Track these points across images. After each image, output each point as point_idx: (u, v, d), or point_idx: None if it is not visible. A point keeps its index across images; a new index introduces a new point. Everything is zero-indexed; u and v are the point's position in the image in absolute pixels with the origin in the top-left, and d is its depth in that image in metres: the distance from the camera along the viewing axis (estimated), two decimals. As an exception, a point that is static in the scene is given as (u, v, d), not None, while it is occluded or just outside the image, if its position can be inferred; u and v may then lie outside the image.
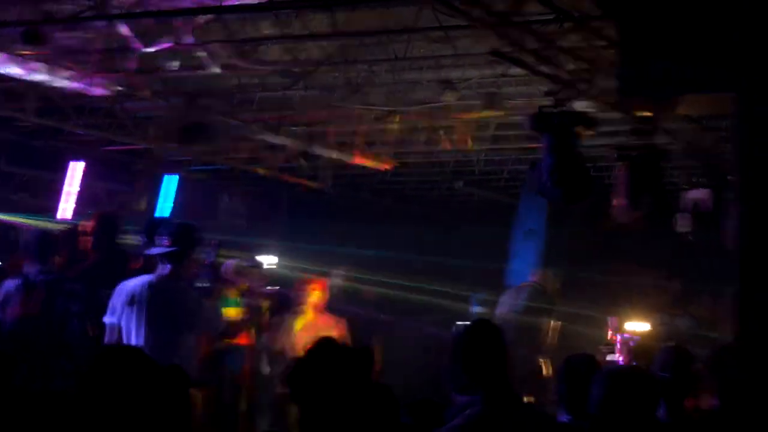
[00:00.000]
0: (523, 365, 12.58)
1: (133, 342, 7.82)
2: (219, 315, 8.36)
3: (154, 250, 8.14)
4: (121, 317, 7.96)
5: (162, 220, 11.67)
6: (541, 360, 12.69)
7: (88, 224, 9.58)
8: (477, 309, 14.78)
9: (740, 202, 4.71)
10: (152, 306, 7.92)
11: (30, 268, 8.63)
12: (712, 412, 7.03)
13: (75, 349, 8.33)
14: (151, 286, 7.99)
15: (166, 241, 8.06)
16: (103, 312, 8.19)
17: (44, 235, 9.06)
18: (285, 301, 11.13)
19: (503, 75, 11.68)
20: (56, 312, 8.39)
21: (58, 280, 8.51)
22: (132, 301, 7.96)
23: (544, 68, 9.90)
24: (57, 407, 5.16)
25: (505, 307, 13.42)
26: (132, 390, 4.51)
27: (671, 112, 10.35)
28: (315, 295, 10.98)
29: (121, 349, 5.96)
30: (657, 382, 5.45)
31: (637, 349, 10.86)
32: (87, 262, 9.23)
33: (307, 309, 10.90)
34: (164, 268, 8.06)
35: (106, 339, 8.02)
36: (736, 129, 4.81)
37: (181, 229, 8.19)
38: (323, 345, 4.68)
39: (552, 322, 13.12)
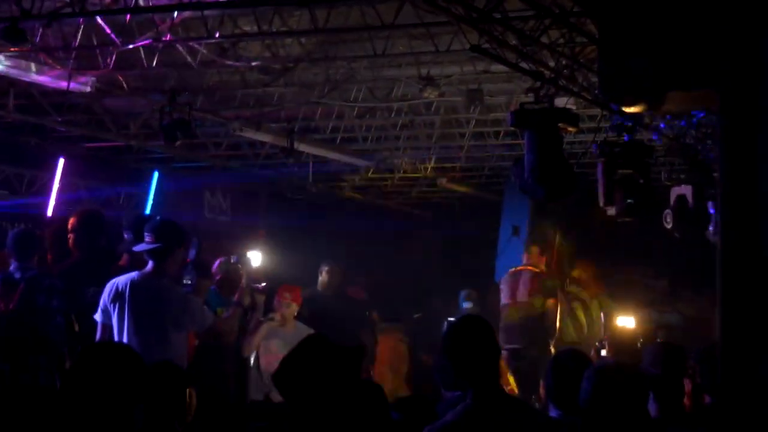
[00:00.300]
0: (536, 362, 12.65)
1: (121, 339, 7.82)
2: (205, 312, 8.27)
3: (138, 247, 8.12)
4: (110, 315, 7.95)
5: (147, 216, 11.60)
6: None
7: (69, 222, 9.52)
8: (466, 305, 14.77)
9: (723, 199, 4.68)
10: (135, 304, 7.93)
11: (11, 266, 8.60)
12: (706, 408, 7.03)
13: (59, 345, 8.27)
14: (134, 283, 7.98)
15: (149, 238, 8.05)
16: (85, 309, 8.17)
17: (24, 232, 9.01)
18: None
19: (485, 71, 11.67)
20: (37, 308, 8.34)
21: (38, 277, 8.47)
22: (116, 298, 7.97)
23: (525, 65, 9.87)
24: (40, 403, 5.14)
25: (507, 296, 13.46)
26: (117, 386, 4.50)
27: (653, 108, 10.32)
28: (293, 307, 11.05)
29: (106, 345, 5.98)
30: (647, 377, 5.44)
31: (624, 345, 10.90)
32: (68, 260, 9.17)
33: (281, 318, 10.93)
34: (148, 265, 8.04)
35: (98, 337, 8.02)
36: (720, 125, 4.78)
37: (165, 226, 8.18)
38: (312, 342, 4.64)
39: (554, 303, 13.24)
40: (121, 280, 8.03)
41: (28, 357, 8.33)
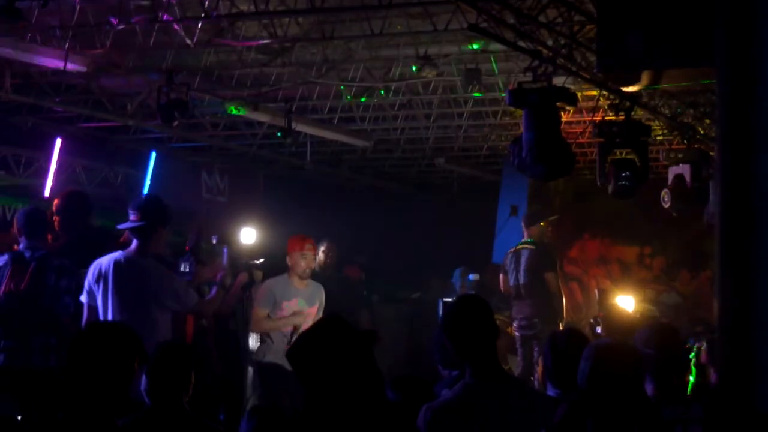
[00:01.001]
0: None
1: (106, 319, 7.77)
2: (189, 292, 8.12)
3: (122, 225, 8.06)
4: (95, 296, 7.91)
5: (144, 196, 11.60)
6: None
7: (54, 204, 9.42)
8: (472, 277, 14.80)
9: (721, 178, 4.67)
10: (118, 283, 7.85)
11: (20, 245, 8.58)
12: (700, 387, 7.05)
13: (68, 325, 8.24)
14: (117, 263, 7.91)
15: (133, 216, 7.97)
16: (80, 291, 8.14)
17: (33, 211, 8.94)
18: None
19: (483, 51, 11.64)
20: (47, 288, 8.32)
21: (47, 256, 8.44)
22: (99, 278, 7.90)
23: (523, 44, 9.84)
24: (39, 383, 5.17)
25: (512, 275, 13.49)
26: (115, 364, 4.53)
27: (651, 86, 10.32)
28: (310, 258, 10.81)
29: (103, 325, 6.00)
30: (643, 357, 5.45)
31: (619, 324, 10.88)
32: (57, 242, 9.11)
33: (298, 274, 10.72)
34: (132, 244, 7.99)
35: (84, 318, 7.98)
36: (718, 104, 4.76)
37: (149, 203, 8.08)
38: (329, 323, 4.62)
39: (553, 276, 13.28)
40: (105, 261, 7.95)
41: (38, 337, 8.33)
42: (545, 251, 13.42)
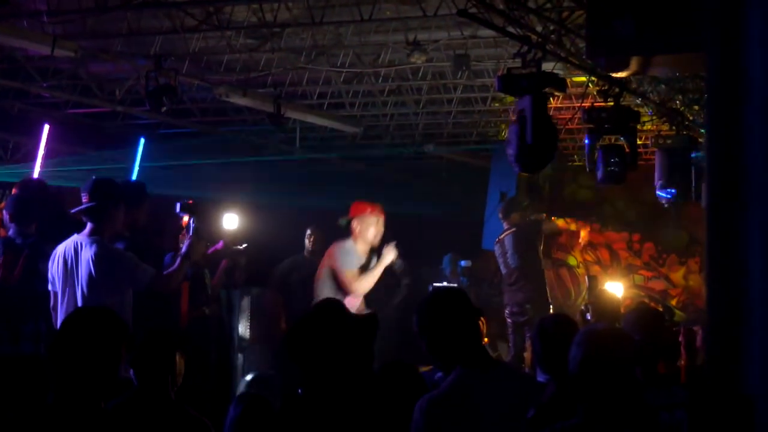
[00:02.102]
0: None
1: (66, 306, 7.72)
2: (142, 268, 7.92)
3: (75, 210, 7.98)
4: (55, 283, 7.87)
5: (135, 182, 11.52)
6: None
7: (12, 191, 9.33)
8: (464, 263, 14.82)
9: (710, 164, 4.65)
10: (73, 268, 7.80)
11: (9, 231, 8.55)
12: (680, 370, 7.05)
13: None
14: (69, 247, 7.86)
15: (84, 198, 7.91)
16: None
17: (23, 197, 8.90)
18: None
19: (472, 36, 11.63)
20: (40, 274, 8.29)
21: (39, 242, 8.41)
22: (57, 264, 7.86)
23: (512, 29, 9.83)
24: (28, 370, 5.17)
25: (502, 264, 13.54)
26: (101, 349, 4.53)
27: (640, 72, 10.30)
28: (381, 224, 10.53)
29: (92, 310, 5.98)
30: (636, 342, 5.45)
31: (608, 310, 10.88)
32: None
33: (368, 240, 10.40)
34: (87, 227, 7.91)
35: (51, 306, 7.94)
36: (706, 90, 4.74)
37: (99, 185, 7.97)
38: (328, 308, 4.60)
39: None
40: (62, 246, 7.91)
41: (28, 325, 8.30)
42: (527, 229, 13.49)
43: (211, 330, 10.48)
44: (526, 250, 13.39)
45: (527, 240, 13.43)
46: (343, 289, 10.14)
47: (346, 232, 10.43)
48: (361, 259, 10.38)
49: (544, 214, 14.56)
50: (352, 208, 10.53)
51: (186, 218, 8.47)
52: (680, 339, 7.47)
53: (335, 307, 4.57)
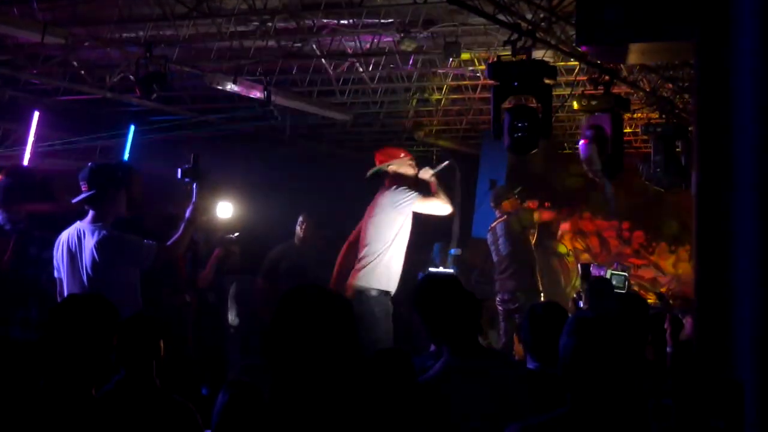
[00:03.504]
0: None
1: (70, 292, 7.71)
2: (145, 246, 7.92)
3: (75, 199, 7.95)
4: (60, 270, 7.87)
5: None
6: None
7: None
8: (454, 251, 14.85)
9: (699, 152, 4.68)
10: (76, 254, 7.80)
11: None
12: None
13: (54, 297, 8.19)
14: (73, 234, 7.85)
15: (84, 186, 7.88)
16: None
17: (11, 183, 8.87)
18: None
19: (463, 24, 11.63)
20: (30, 260, 8.28)
21: (29, 228, 8.41)
22: (61, 251, 7.86)
23: (502, 17, 9.83)
24: (18, 355, 5.19)
25: (494, 252, 13.59)
26: (94, 336, 4.55)
27: (631, 60, 10.31)
28: (414, 166, 10.21)
29: (83, 297, 5.99)
30: (627, 328, 5.46)
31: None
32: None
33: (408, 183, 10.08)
34: (89, 214, 7.90)
35: (58, 292, 7.93)
36: (695, 78, 4.76)
37: (96, 172, 7.94)
38: (310, 294, 4.53)
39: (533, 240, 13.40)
40: (65, 233, 7.90)
41: (20, 310, 8.30)
42: (517, 216, 13.52)
43: (187, 318, 10.47)
44: (517, 237, 13.43)
45: (519, 228, 13.47)
46: (439, 207, 9.94)
47: (374, 184, 10.16)
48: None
49: (536, 201, 14.56)
50: (383, 155, 10.23)
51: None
52: (666, 326, 7.47)
53: (305, 295, 4.50)
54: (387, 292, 9.74)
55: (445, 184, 10.30)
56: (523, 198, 14.12)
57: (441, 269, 8.47)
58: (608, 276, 10.36)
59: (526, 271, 13.32)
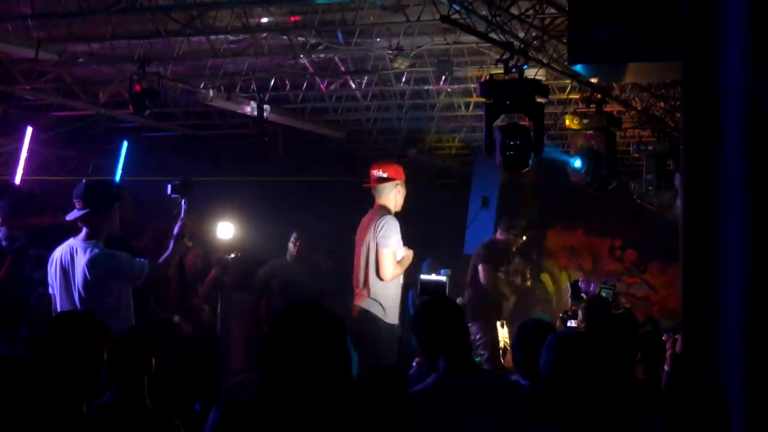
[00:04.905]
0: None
1: (63, 308, 7.71)
2: (136, 264, 7.95)
3: (69, 216, 7.92)
4: (53, 287, 7.87)
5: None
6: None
7: None
8: (444, 272, 14.86)
9: (686, 171, 4.71)
10: (68, 271, 7.79)
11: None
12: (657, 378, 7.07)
13: (42, 316, 8.19)
14: (66, 251, 7.84)
15: (78, 204, 7.86)
16: None
17: (14, 201, 8.88)
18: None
19: (455, 42, 11.66)
20: (22, 278, 8.28)
21: (25, 246, 8.41)
22: (54, 269, 7.86)
23: (495, 35, 9.87)
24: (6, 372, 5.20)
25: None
26: (84, 353, 4.57)
27: (622, 79, 10.36)
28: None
29: (74, 314, 6.02)
30: (608, 347, 5.48)
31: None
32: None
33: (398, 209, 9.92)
34: (82, 231, 7.89)
35: (53, 309, 7.93)
36: (683, 97, 4.80)
37: (91, 190, 7.93)
38: (307, 311, 4.53)
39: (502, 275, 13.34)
40: (58, 250, 7.89)
41: (8, 329, 8.30)
42: (486, 246, 13.51)
43: (176, 335, 10.46)
44: (477, 262, 13.44)
45: (481, 255, 13.46)
46: (392, 270, 9.70)
47: (366, 192, 9.94)
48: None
49: (525, 237, 14.38)
50: (392, 170, 9.95)
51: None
52: (667, 346, 7.48)
53: (298, 314, 4.50)
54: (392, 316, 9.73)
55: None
56: (519, 232, 14.01)
57: (433, 276, 8.37)
58: (599, 291, 10.36)
59: (476, 289, 13.30)
